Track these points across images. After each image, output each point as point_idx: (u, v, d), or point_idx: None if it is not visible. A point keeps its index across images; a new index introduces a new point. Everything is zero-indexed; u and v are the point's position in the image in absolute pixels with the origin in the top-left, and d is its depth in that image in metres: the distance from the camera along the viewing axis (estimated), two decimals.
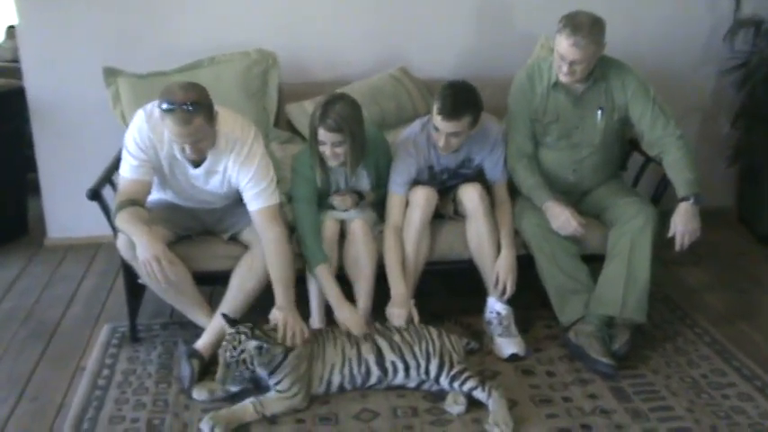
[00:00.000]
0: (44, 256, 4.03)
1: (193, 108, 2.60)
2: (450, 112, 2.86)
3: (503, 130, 3.19)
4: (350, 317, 2.84)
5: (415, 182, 3.09)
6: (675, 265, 3.82)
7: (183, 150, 2.74)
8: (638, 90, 3.09)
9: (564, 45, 2.93)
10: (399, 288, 2.93)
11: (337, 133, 2.84)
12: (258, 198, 2.85)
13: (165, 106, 2.61)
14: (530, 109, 3.16)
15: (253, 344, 2.56)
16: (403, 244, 3.00)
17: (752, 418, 2.63)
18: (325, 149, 2.90)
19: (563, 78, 3.04)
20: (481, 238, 3.05)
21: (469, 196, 3.04)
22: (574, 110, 3.13)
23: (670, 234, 2.94)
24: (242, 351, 2.55)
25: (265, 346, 2.57)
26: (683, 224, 2.92)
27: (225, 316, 2.71)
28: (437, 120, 2.90)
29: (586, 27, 2.90)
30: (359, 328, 2.81)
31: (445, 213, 3.19)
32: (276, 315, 2.72)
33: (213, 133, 2.76)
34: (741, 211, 4.47)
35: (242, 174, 2.83)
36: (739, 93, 4.21)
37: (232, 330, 2.61)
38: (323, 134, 2.86)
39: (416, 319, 2.88)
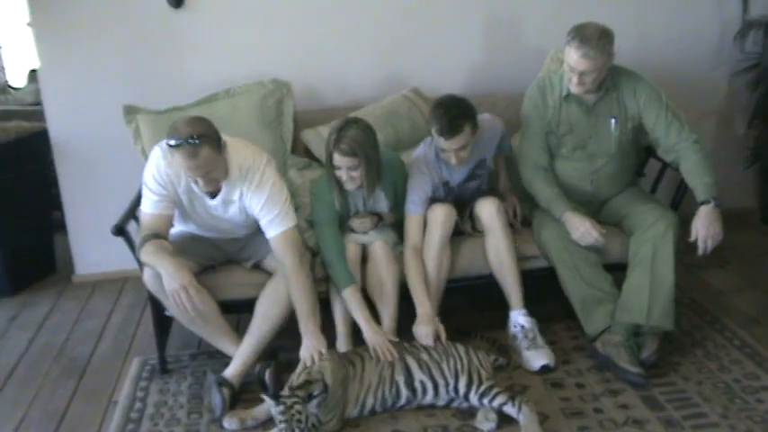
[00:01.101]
0: (73, 293, 4.09)
1: (199, 140, 2.64)
2: (450, 130, 2.89)
3: (497, 121, 3.23)
4: (381, 341, 2.84)
5: (433, 199, 3.11)
6: (701, 269, 3.80)
7: (196, 183, 2.79)
8: (651, 97, 3.10)
9: (573, 56, 2.95)
10: (425, 307, 2.94)
11: (352, 157, 2.87)
12: (272, 224, 2.88)
13: (171, 143, 2.67)
14: (543, 122, 3.17)
15: (313, 406, 2.50)
16: (423, 263, 3.01)
17: None
18: (341, 174, 2.93)
19: (574, 89, 3.06)
20: (500, 251, 3.05)
21: (487, 210, 3.06)
22: (587, 120, 3.13)
23: (692, 239, 2.93)
24: (307, 418, 2.49)
25: (320, 397, 2.51)
26: (704, 228, 2.91)
27: (265, 396, 2.58)
28: (441, 141, 2.94)
29: (595, 38, 2.91)
30: (389, 353, 2.80)
31: (464, 230, 3.20)
32: (302, 354, 2.77)
33: (224, 163, 2.80)
34: (764, 212, 4.43)
35: (254, 200, 2.87)
36: (753, 93, 4.20)
37: (281, 407, 2.50)
38: (338, 159, 2.89)
39: (443, 336, 2.88)
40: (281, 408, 2.49)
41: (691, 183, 3.03)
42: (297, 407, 2.48)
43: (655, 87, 3.13)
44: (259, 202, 2.86)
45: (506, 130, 3.26)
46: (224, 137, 2.81)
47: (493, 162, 3.26)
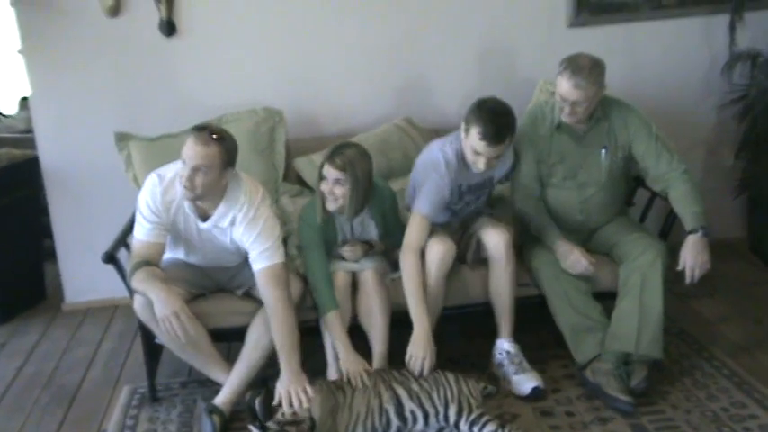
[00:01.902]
0: (63, 321, 4.07)
1: (218, 138, 2.73)
2: (494, 138, 2.85)
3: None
4: (353, 366, 2.83)
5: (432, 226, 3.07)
6: (690, 298, 3.82)
7: (180, 178, 2.77)
8: (641, 128, 3.14)
9: (565, 86, 2.98)
10: (423, 324, 2.88)
11: (340, 171, 2.88)
12: (260, 258, 2.86)
13: (196, 128, 2.78)
14: (535, 151, 3.19)
15: None
16: (423, 270, 2.95)
17: None
18: (326, 187, 2.92)
19: (565, 119, 3.09)
20: (500, 283, 3.05)
21: (494, 242, 3.02)
22: (578, 150, 3.17)
23: (680, 267, 2.96)
24: None
25: None
26: (692, 257, 2.93)
27: (253, 428, 2.58)
28: (480, 145, 2.87)
29: (587, 69, 2.95)
30: (358, 379, 2.79)
31: (466, 260, 3.18)
32: (279, 389, 2.73)
33: (220, 183, 2.80)
34: (752, 241, 4.46)
35: (246, 234, 2.86)
36: (741, 124, 4.24)
37: None
38: (326, 169, 2.90)
39: (429, 360, 2.83)
40: None
41: (679, 212, 3.06)
42: None
43: (645, 118, 3.17)
44: (251, 235, 2.86)
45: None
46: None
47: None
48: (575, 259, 3.03)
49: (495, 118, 2.85)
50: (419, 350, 2.85)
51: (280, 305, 2.81)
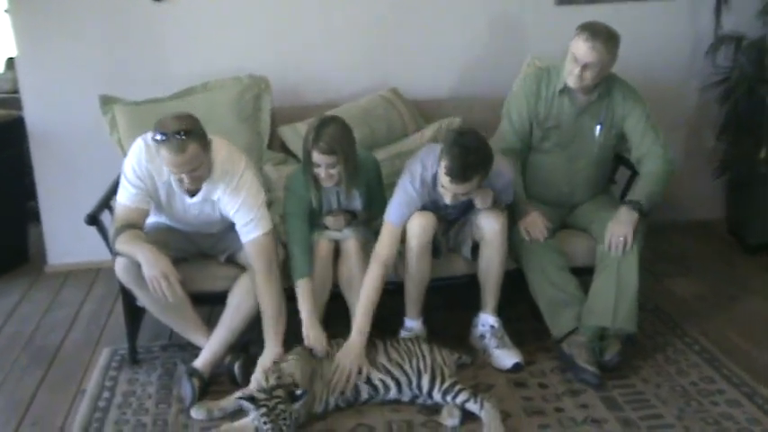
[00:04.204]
0: (45, 282, 4.08)
1: (186, 136, 2.65)
2: (459, 175, 2.73)
3: (507, 169, 3.02)
4: (315, 337, 2.87)
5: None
6: (666, 277, 3.88)
7: (180, 182, 2.78)
8: (636, 105, 3.19)
9: (582, 48, 3.00)
10: (362, 333, 2.86)
11: (331, 155, 2.89)
12: (246, 229, 2.88)
13: (158, 137, 2.66)
14: (531, 109, 3.22)
15: (297, 405, 2.54)
16: (383, 283, 2.93)
17: (740, 423, 2.68)
18: (320, 171, 2.94)
19: (573, 82, 3.09)
20: (491, 263, 3.05)
21: (490, 225, 2.99)
22: (575, 120, 3.20)
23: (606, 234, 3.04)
24: (290, 414, 2.52)
25: (302, 395, 2.56)
26: (613, 224, 3.03)
27: (242, 398, 2.59)
28: (445, 180, 2.77)
29: (605, 34, 3.00)
30: (321, 350, 2.84)
31: (464, 256, 3.15)
32: (260, 361, 2.82)
33: (209, 161, 2.81)
34: (730, 223, 4.52)
35: (230, 204, 2.87)
36: (723, 107, 4.28)
37: (263, 409, 2.51)
38: (317, 156, 2.90)
39: (364, 372, 2.80)
40: (264, 410, 2.50)
41: (638, 185, 3.15)
42: (281, 407, 2.51)
43: (643, 100, 3.22)
44: (234, 206, 2.87)
45: (514, 178, 3.07)
46: (209, 135, 2.83)
47: None
48: (531, 221, 3.10)
49: (463, 155, 2.71)
50: (346, 360, 2.80)
51: (263, 278, 2.86)
